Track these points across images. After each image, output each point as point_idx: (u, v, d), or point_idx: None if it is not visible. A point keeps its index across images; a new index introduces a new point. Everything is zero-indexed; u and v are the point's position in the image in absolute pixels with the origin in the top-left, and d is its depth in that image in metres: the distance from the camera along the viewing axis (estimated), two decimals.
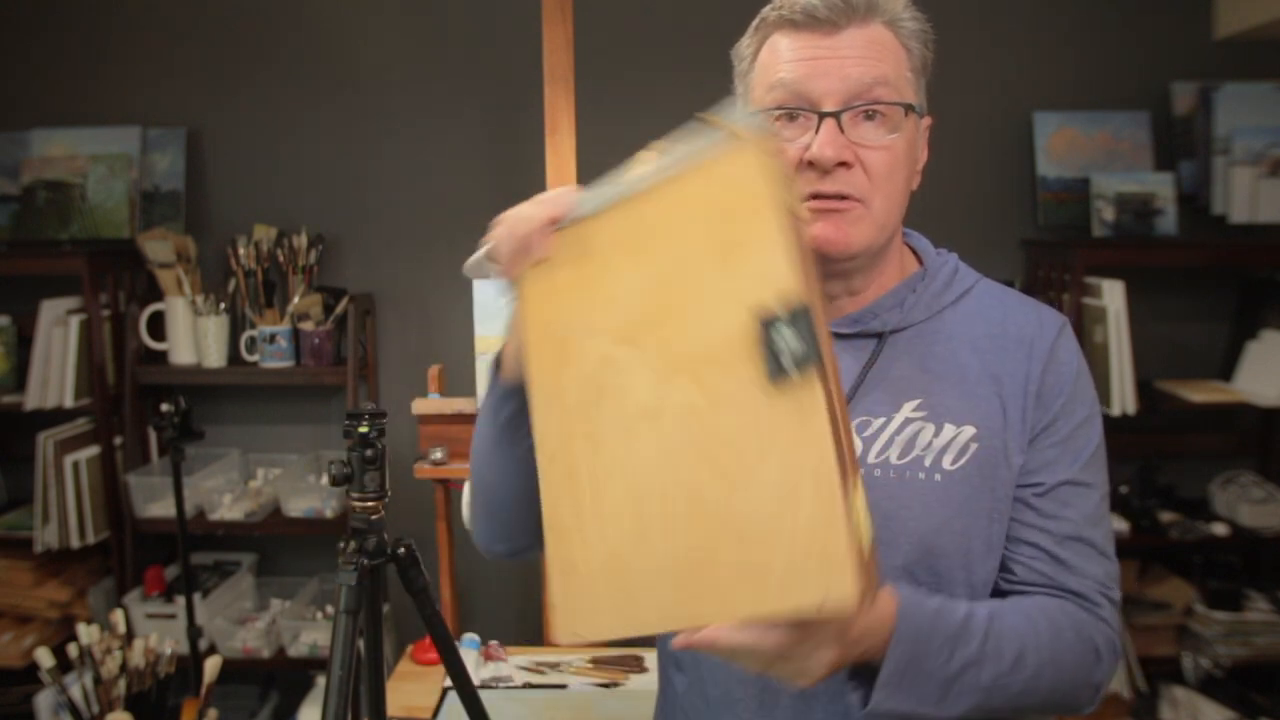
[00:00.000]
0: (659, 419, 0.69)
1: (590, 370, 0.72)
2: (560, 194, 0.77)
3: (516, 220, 0.77)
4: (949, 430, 0.88)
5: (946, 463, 0.88)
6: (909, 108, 0.88)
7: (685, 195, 0.71)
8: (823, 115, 0.85)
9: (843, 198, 0.86)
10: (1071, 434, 0.90)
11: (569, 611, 0.71)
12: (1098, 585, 0.89)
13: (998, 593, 0.91)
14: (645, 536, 0.68)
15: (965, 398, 0.90)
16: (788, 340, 0.65)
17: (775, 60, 0.88)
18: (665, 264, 0.71)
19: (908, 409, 0.89)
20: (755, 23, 0.92)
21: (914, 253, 1.00)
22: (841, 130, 0.85)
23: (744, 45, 0.94)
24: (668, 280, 0.71)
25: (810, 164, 0.86)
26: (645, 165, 0.73)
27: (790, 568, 0.64)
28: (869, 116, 0.86)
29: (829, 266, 0.90)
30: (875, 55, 0.86)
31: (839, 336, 0.93)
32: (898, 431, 0.89)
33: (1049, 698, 0.84)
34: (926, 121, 0.94)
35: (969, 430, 0.88)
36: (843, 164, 0.86)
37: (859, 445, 0.89)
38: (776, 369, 0.65)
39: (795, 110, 0.87)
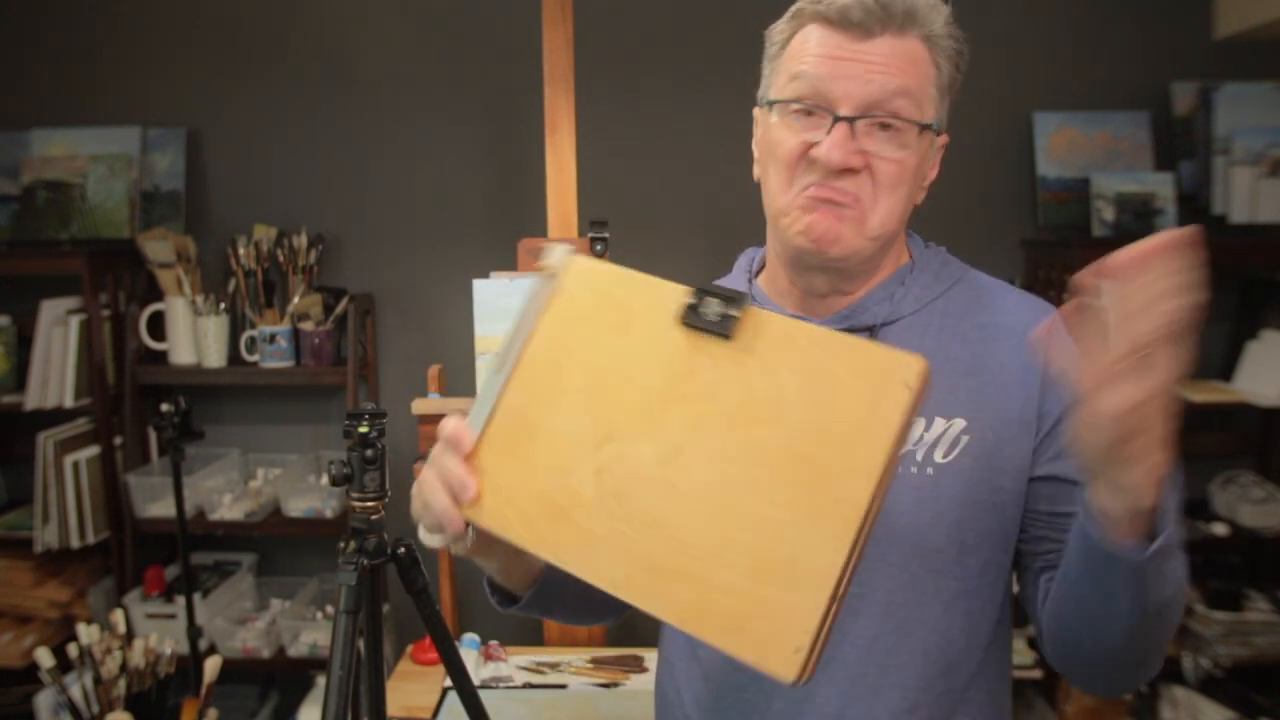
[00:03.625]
0: (682, 453, 0.73)
1: (595, 494, 0.75)
2: (449, 430, 0.79)
3: (436, 481, 0.78)
4: (939, 424, 0.89)
5: (938, 456, 0.88)
6: (925, 127, 0.87)
7: (555, 327, 0.80)
8: (837, 118, 0.85)
9: (844, 195, 0.86)
10: None
11: (769, 630, 0.67)
12: None
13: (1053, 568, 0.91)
14: (765, 500, 0.70)
15: (956, 390, 0.90)
16: (712, 307, 0.74)
17: (803, 51, 0.88)
18: (581, 376, 0.78)
19: None
20: (793, 9, 0.91)
21: (905, 247, 1.00)
22: (854, 135, 0.85)
23: (778, 29, 0.93)
24: (596, 384, 0.77)
25: (815, 160, 0.86)
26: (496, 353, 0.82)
27: (862, 395, 0.69)
28: (884, 127, 0.86)
29: (816, 258, 0.90)
30: (902, 67, 0.86)
31: None
32: None
33: (1167, 635, 0.82)
34: (942, 140, 0.93)
35: (959, 423, 0.88)
36: (849, 169, 0.86)
37: None
38: (720, 325, 0.73)
39: (811, 107, 0.87)
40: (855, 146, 0.85)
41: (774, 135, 0.90)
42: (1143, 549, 0.73)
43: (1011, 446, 0.89)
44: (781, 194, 0.90)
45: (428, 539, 0.83)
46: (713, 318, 0.74)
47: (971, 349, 0.91)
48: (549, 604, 0.99)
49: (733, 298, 0.73)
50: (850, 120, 0.85)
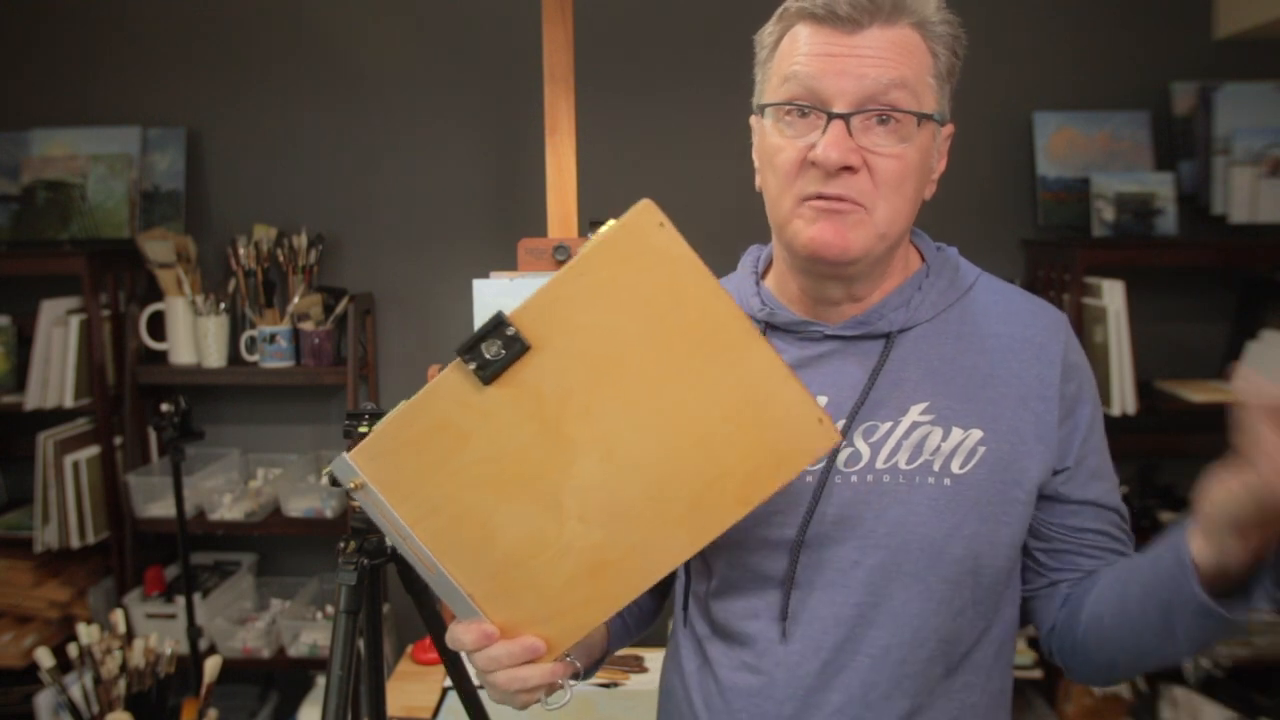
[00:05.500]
0: (610, 441, 0.77)
1: (602, 531, 0.79)
2: (473, 638, 0.82)
3: (512, 672, 0.82)
4: (957, 434, 0.88)
5: (955, 467, 0.87)
6: (925, 117, 0.85)
7: (409, 506, 0.80)
8: (832, 116, 0.83)
9: (843, 201, 0.84)
10: (1100, 438, 0.95)
11: (794, 437, 0.78)
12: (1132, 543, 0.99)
13: (1086, 574, 0.95)
14: (692, 391, 0.76)
15: (973, 400, 0.89)
16: (492, 348, 0.75)
17: (792, 52, 0.86)
18: (483, 497, 0.79)
19: (915, 412, 0.89)
20: (779, 11, 0.89)
21: (916, 249, 0.98)
22: (850, 133, 0.83)
23: (766, 33, 0.91)
24: (500, 487, 0.79)
25: (814, 164, 0.83)
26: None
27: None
28: (882, 121, 0.83)
29: (827, 268, 0.88)
30: (896, 58, 0.83)
31: (844, 339, 0.92)
32: (905, 436, 0.88)
33: None
34: (948, 130, 0.91)
35: (976, 434, 0.88)
36: (847, 168, 0.83)
37: (866, 450, 0.89)
38: (513, 350, 0.75)
39: (806, 108, 0.84)
40: (852, 144, 0.83)
41: (770, 142, 0.88)
42: (1240, 606, 0.77)
43: (1027, 460, 0.89)
44: (782, 202, 0.88)
45: (556, 700, 0.86)
46: (501, 353, 0.75)
47: (988, 359, 0.91)
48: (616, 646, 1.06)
49: (495, 324, 0.74)
50: (846, 117, 0.83)
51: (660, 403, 0.75)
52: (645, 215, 0.73)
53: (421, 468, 0.78)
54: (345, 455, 0.79)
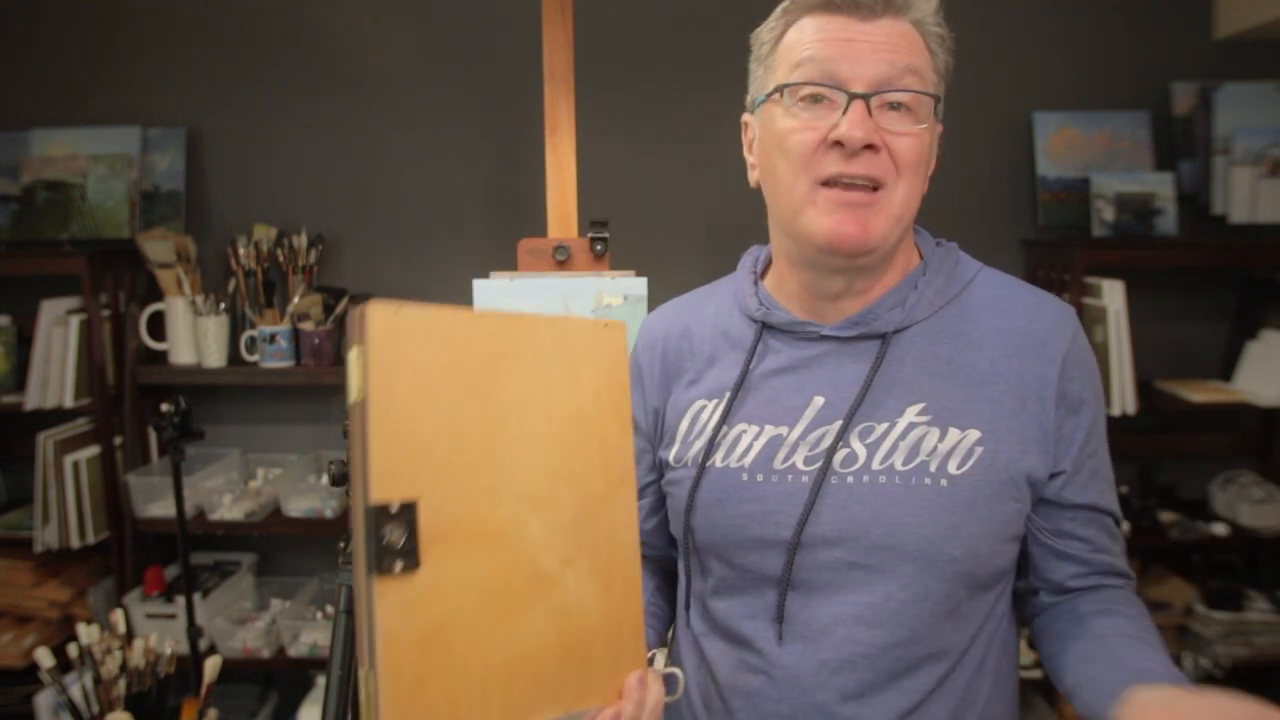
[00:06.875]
0: (526, 499, 0.78)
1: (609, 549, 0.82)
2: None
3: (651, 715, 0.81)
4: (954, 435, 0.88)
5: (952, 468, 0.87)
6: (936, 100, 0.88)
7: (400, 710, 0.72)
8: (853, 96, 0.84)
9: (868, 182, 0.86)
10: (1100, 439, 0.94)
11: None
12: (1124, 557, 0.97)
13: (1062, 589, 0.95)
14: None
15: (971, 400, 0.89)
16: (390, 535, 0.69)
17: (801, 41, 0.88)
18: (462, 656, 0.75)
19: (911, 413, 0.89)
20: (782, 6, 0.91)
21: (915, 247, 0.98)
22: (870, 114, 0.85)
23: (766, 29, 0.93)
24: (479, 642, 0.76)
25: (836, 144, 0.85)
26: None
27: None
28: (895, 106, 0.86)
29: (842, 261, 0.89)
30: (906, 47, 0.86)
31: (840, 340, 0.92)
32: (901, 437, 0.88)
33: None
34: (938, 130, 0.93)
35: (974, 434, 0.88)
36: (870, 146, 0.85)
37: (863, 451, 0.89)
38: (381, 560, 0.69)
39: (823, 88, 0.86)
40: (873, 124, 0.85)
41: (781, 127, 0.88)
42: None
43: (1025, 460, 0.88)
44: (796, 188, 0.88)
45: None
46: (404, 529, 0.70)
47: (987, 356, 0.90)
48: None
49: (374, 517, 0.68)
50: (865, 98, 0.85)
51: (524, 424, 0.78)
52: (380, 315, 0.70)
53: (442, 697, 0.71)
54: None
